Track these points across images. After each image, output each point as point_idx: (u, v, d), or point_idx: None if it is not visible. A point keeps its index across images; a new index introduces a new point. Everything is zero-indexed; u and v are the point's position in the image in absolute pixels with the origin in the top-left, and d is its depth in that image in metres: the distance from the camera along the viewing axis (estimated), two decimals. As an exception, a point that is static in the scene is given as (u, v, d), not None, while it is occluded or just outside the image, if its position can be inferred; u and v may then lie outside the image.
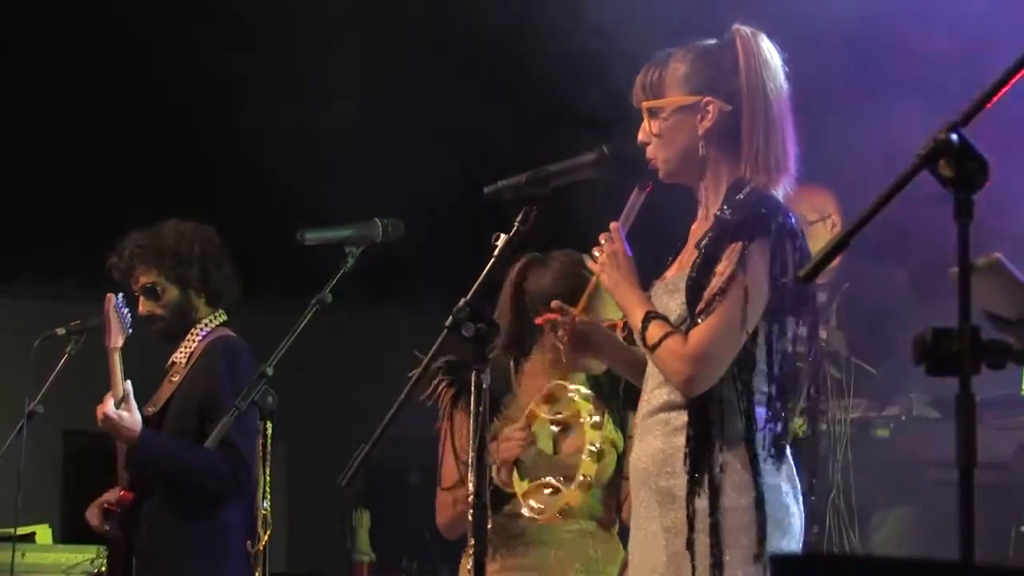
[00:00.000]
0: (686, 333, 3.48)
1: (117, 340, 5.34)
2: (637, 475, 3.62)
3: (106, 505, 5.35)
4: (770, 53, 3.60)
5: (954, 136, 2.31)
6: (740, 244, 3.45)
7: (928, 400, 6.23)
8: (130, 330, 5.38)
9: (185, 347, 5.48)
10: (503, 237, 3.56)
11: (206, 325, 5.50)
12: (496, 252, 3.55)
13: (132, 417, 5.24)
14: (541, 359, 4.47)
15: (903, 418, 6.30)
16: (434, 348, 3.53)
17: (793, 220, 3.51)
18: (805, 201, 6.55)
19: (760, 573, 3.41)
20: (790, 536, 3.50)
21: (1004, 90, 2.40)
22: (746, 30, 3.62)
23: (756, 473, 3.45)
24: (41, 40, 8.06)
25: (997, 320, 2.59)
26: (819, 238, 6.70)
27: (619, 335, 3.79)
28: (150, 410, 5.37)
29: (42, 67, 8.12)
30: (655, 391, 3.60)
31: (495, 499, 4.20)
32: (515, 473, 4.20)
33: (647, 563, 3.56)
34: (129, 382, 5.26)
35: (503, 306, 4.52)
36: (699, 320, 3.46)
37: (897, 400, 6.33)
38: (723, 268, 3.46)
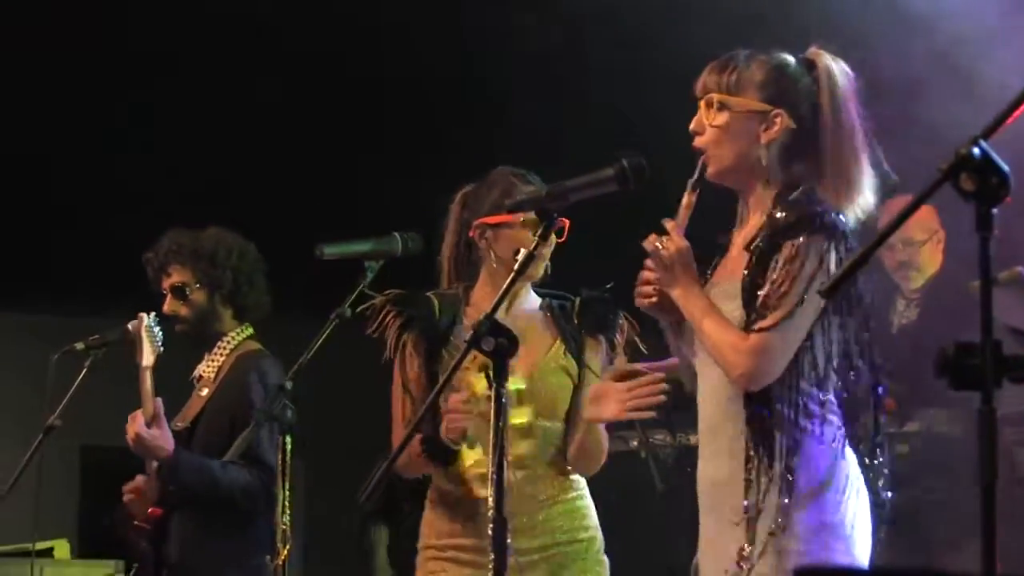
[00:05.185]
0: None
1: (148, 359, 5.31)
2: (704, 492, 3.65)
3: (136, 524, 5.33)
4: (848, 82, 3.65)
5: (976, 150, 2.31)
6: (796, 242, 3.48)
7: (949, 415, 6.19)
8: (161, 348, 5.36)
9: (213, 360, 5.47)
10: (523, 252, 3.57)
11: (233, 339, 5.49)
12: (516, 267, 3.56)
13: (164, 435, 5.20)
14: (483, 289, 4.46)
15: (923, 434, 6.26)
16: (455, 363, 3.54)
17: (844, 219, 3.54)
18: (912, 220, 6.45)
19: None
20: (851, 543, 3.52)
21: (1026, 104, 2.40)
22: (827, 55, 3.67)
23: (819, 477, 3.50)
24: (48, 56, 8.07)
25: (1019, 334, 2.59)
26: (929, 258, 6.62)
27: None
28: (179, 424, 5.35)
29: (48, 82, 8.13)
30: (718, 407, 3.62)
31: (439, 453, 4.25)
32: (464, 444, 4.26)
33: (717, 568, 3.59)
34: (160, 400, 5.24)
35: (448, 240, 4.53)
36: (764, 315, 3.48)
37: (917, 416, 6.29)
38: (780, 266, 3.49)
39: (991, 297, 2.31)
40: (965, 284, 5.65)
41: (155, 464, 5.28)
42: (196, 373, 5.51)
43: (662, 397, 3.92)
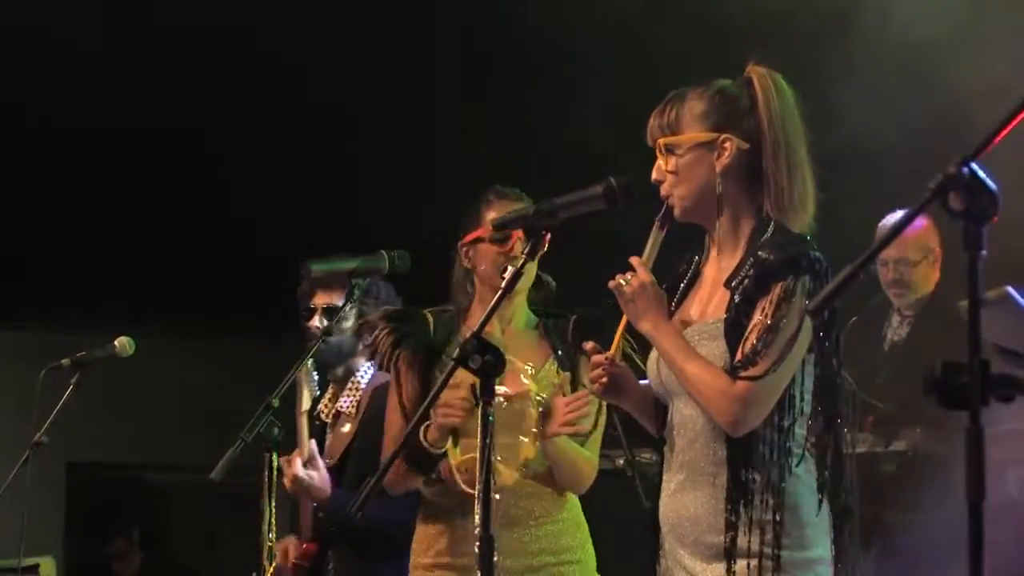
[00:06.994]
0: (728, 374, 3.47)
1: (306, 403, 5.14)
2: (676, 525, 3.58)
3: (294, 561, 5.25)
4: (787, 93, 3.60)
5: (964, 169, 2.31)
6: (784, 283, 3.44)
7: (936, 435, 6.18)
8: (318, 392, 5.28)
9: (350, 395, 5.40)
10: (510, 270, 3.57)
11: (365, 372, 5.41)
12: (504, 284, 3.55)
13: (321, 477, 5.10)
14: (479, 307, 4.46)
15: (909, 454, 6.25)
16: (442, 379, 3.53)
17: (821, 257, 3.49)
18: (909, 240, 6.46)
19: None
20: None
21: (1014, 123, 2.39)
22: (762, 70, 3.62)
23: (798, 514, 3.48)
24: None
25: (1007, 354, 2.58)
26: (923, 277, 6.60)
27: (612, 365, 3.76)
28: (328, 462, 5.23)
29: (49, 102, 8.13)
30: (693, 443, 3.57)
31: (422, 461, 4.28)
32: (450, 441, 4.26)
33: None
34: (313, 442, 5.14)
35: (457, 265, 4.55)
36: (753, 360, 3.43)
37: (904, 435, 6.29)
38: (766, 307, 3.45)
39: (979, 316, 2.31)
40: (954, 303, 5.66)
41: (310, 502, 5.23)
42: (333, 409, 5.43)
43: (587, 411, 4.09)
